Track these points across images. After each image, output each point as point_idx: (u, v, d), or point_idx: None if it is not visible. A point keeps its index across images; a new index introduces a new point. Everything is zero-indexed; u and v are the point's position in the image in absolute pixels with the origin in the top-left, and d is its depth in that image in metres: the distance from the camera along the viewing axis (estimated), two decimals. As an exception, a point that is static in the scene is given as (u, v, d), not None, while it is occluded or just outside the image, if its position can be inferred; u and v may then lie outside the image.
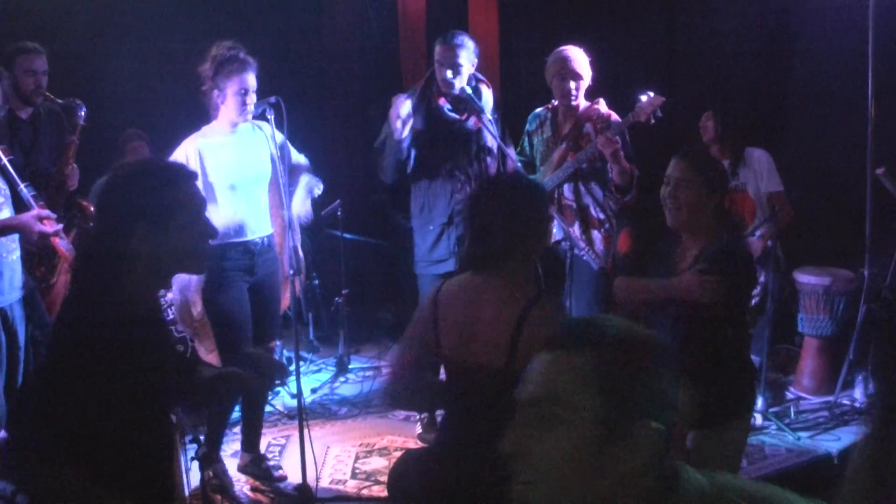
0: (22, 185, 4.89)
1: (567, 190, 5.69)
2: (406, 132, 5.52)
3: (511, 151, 5.62)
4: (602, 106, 5.65)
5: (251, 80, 5.11)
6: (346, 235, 7.41)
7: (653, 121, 5.46)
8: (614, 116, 5.62)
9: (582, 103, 5.71)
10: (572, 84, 5.61)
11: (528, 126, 5.98)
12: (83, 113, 5.75)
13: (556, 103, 5.79)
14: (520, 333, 3.17)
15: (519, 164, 5.55)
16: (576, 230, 5.62)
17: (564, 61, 5.61)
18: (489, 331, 3.25)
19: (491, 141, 5.68)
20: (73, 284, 2.69)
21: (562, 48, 5.67)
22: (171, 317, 5.35)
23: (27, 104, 5.70)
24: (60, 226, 4.83)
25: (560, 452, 1.70)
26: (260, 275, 5.26)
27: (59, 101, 5.77)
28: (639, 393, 1.71)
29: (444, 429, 3.60)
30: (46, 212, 4.78)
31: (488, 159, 5.74)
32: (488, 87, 5.74)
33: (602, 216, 5.71)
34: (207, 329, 5.11)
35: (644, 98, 5.47)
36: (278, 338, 5.68)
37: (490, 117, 5.55)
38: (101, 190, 2.67)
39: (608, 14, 7.98)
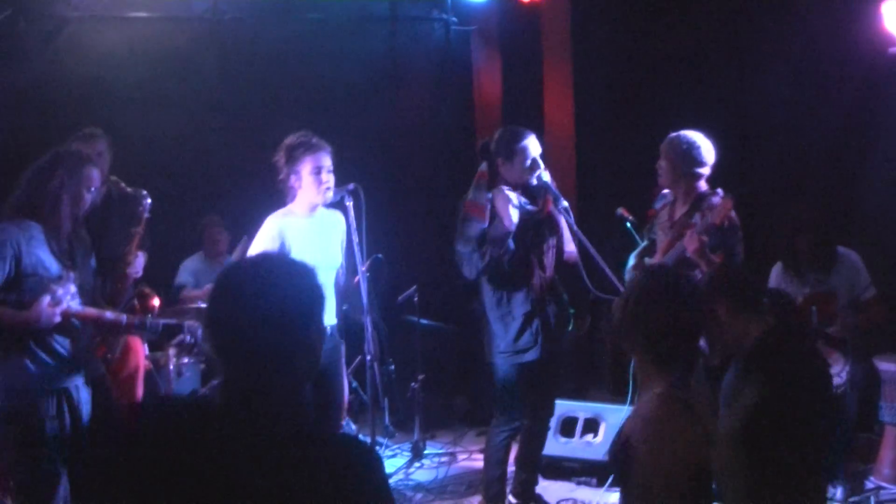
0: None
1: None
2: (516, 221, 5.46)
3: (584, 238, 5.54)
4: (718, 196, 5.41)
5: (325, 159, 5.24)
6: (423, 321, 7.45)
7: (727, 223, 5.29)
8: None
9: (702, 188, 5.55)
10: (661, 163, 5.58)
11: (656, 205, 5.92)
12: (148, 203, 5.57)
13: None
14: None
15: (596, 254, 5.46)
16: None
17: (665, 144, 5.59)
18: None
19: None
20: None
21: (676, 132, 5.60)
22: None
23: None
24: (68, 293, 4.49)
25: None
26: (322, 362, 5.27)
27: (129, 189, 5.65)
28: None
29: None
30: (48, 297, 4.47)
31: (554, 246, 5.72)
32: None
33: None
34: None
35: (715, 199, 5.34)
36: (343, 427, 5.68)
37: (565, 205, 5.51)
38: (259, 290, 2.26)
39: (682, 102, 8.00)
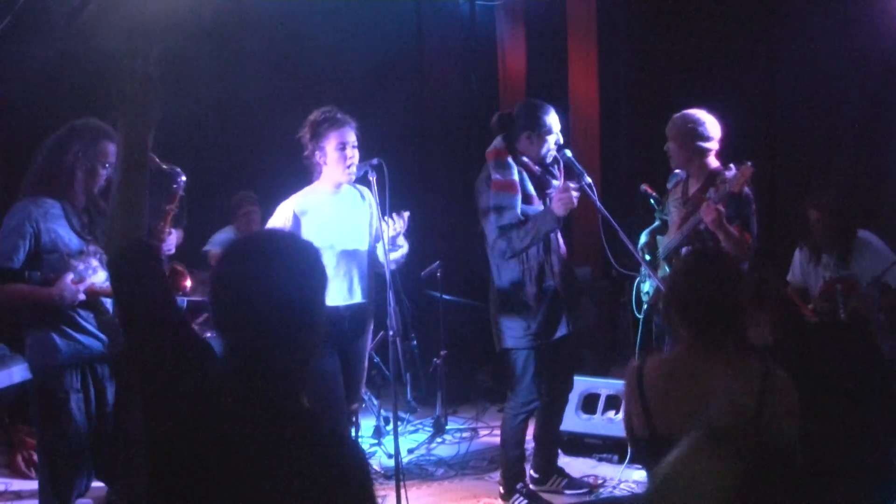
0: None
1: None
2: None
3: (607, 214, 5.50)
4: (731, 170, 5.32)
5: (350, 135, 5.21)
6: (445, 296, 7.45)
7: (746, 190, 5.32)
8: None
9: (713, 164, 5.53)
10: (669, 145, 5.58)
11: (668, 185, 5.90)
12: (182, 180, 5.37)
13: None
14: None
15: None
16: None
17: (669, 125, 5.57)
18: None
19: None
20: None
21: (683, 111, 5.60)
22: None
23: None
24: (90, 268, 4.54)
25: None
26: (347, 339, 5.28)
27: (164, 166, 5.66)
28: None
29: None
30: (72, 274, 4.51)
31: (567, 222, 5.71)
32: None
33: None
34: None
35: (729, 174, 5.25)
36: (360, 401, 5.71)
37: (589, 181, 5.48)
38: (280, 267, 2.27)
39: (708, 79, 7.95)
